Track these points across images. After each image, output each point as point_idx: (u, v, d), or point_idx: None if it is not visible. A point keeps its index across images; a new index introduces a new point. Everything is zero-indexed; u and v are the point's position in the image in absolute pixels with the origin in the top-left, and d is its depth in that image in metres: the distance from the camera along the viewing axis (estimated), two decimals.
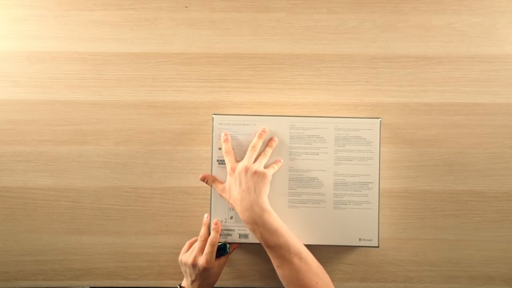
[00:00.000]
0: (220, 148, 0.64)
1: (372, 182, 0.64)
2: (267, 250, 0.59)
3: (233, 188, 0.61)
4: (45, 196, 0.69)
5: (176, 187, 0.69)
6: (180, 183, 0.69)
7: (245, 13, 0.70)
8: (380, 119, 0.65)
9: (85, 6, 0.70)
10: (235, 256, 0.69)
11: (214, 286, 0.64)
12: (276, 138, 0.64)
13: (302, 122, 0.65)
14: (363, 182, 0.64)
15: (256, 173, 0.60)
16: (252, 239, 0.64)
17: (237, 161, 0.63)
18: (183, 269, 0.63)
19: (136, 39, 0.70)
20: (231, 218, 0.64)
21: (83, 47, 0.70)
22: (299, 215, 0.64)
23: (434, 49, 0.69)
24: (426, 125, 0.69)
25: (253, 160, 0.62)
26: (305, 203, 0.64)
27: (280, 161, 0.64)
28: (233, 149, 0.64)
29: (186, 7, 0.70)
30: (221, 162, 0.64)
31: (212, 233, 0.63)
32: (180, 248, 0.65)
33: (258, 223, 0.58)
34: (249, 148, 0.62)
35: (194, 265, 0.60)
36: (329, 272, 0.59)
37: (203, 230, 0.64)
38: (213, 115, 0.65)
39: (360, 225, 0.64)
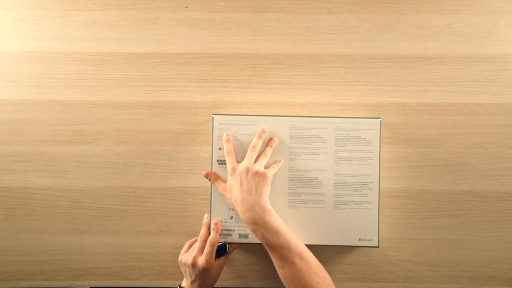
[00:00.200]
0: (220, 148, 0.64)
1: (372, 182, 0.64)
2: (268, 250, 0.59)
3: (234, 188, 0.61)
4: (45, 196, 0.69)
5: (176, 187, 0.69)
6: (180, 183, 0.69)
7: (245, 13, 0.70)
8: (380, 119, 0.65)
9: (85, 6, 0.70)
10: (235, 256, 0.69)
11: (214, 286, 0.64)
12: (276, 138, 0.64)
13: (302, 122, 0.64)
14: (363, 182, 0.64)
15: (257, 173, 0.60)
16: (252, 239, 0.64)
17: (238, 161, 0.63)
18: (183, 269, 0.63)
19: (136, 39, 0.70)
20: (231, 218, 0.64)
21: (83, 47, 0.70)
22: (299, 215, 0.64)
23: (434, 49, 0.69)
24: (426, 125, 0.69)
25: (253, 161, 0.62)
26: (305, 203, 0.64)
27: (280, 161, 0.64)
28: (234, 149, 0.64)
29: (186, 7, 0.70)
30: (221, 162, 0.64)
31: (212, 233, 0.63)
32: (180, 248, 0.65)
33: (259, 223, 0.58)
34: (249, 148, 0.62)
35: (194, 265, 0.60)
36: (329, 272, 0.59)
37: (203, 230, 0.64)
38: (213, 115, 0.65)
39: (360, 225, 0.64)
